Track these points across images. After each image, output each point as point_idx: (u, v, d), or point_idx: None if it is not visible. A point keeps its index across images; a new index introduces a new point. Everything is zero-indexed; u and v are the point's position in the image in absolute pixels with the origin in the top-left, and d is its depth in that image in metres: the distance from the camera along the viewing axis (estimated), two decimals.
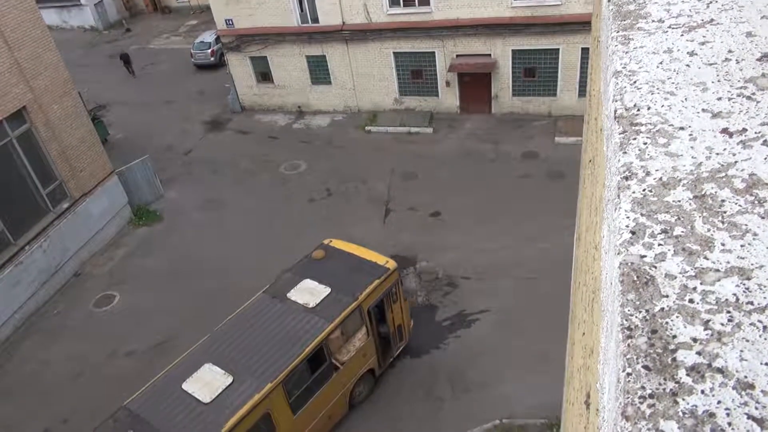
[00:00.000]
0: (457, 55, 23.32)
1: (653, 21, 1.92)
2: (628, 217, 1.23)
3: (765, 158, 1.28)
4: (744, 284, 1.04)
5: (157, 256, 19.14)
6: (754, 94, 1.48)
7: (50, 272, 17.89)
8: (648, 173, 1.33)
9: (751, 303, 1.01)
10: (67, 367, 15.48)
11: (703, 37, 1.77)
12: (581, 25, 20.36)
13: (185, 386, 10.64)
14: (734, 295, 1.03)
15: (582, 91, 22.44)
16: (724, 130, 1.39)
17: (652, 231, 1.19)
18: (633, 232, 1.19)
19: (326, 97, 26.37)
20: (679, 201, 1.23)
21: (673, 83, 1.60)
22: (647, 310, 1.04)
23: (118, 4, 44.39)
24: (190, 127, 26.98)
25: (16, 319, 16.98)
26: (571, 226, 4.83)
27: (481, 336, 14.67)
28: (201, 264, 18.12)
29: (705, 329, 0.99)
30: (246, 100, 27.66)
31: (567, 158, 19.96)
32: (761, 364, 0.92)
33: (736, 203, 1.19)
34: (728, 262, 1.08)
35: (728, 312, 1.00)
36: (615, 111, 1.57)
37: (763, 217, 1.15)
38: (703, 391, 0.90)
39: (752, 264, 1.07)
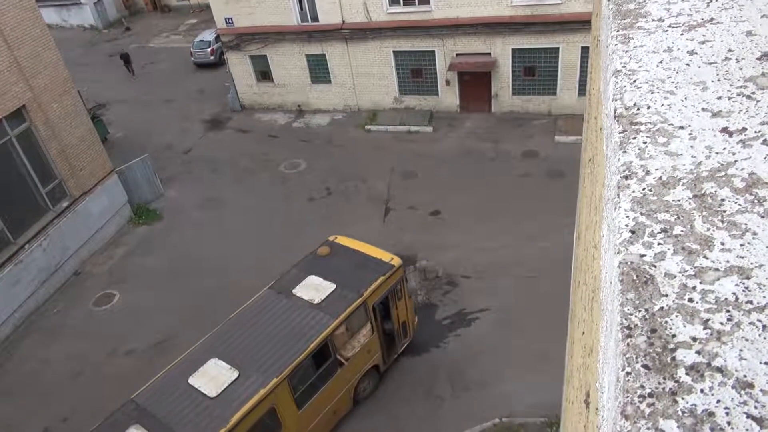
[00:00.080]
0: (457, 54, 23.31)
1: (653, 20, 1.92)
2: (627, 217, 1.23)
3: (765, 157, 1.28)
4: (743, 283, 1.04)
5: (157, 254, 19.14)
6: (754, 93, 1.48)
7: (50, 271, 17.89)
8: (648, 172, 1.33)
9: (751, 302, 1.01)
10: (66, 366, 15.48)
11: (703, 36, 1.77)
12: (581, 24, 20.36)
13: (191, 380, 10.72)
14: (734, 294, 1.03)
15: (582, 90, 22.43)
16: (724, 130, 1.39)
17: (652, 230, 1.19)
18: (632, 231, 1.19)
19: (326, 96, 26.35)
20: (679, 200, 1.23)
21: (673, 82, 1.60)
22: (647, 309, 1.04)
23: (117, 2, 44.36)
24: (190, 126, 26.96)
25: (16, 318, 16.98)
26: (571, 225, 4.83)
27: (480, 335, 14.68)
28: (201, 263, 18.12)
29: (704, 328, 0.99)
30: (246, 98, 27.65)
31: (567, 157, 19.95)
32: (760, 363, 0.92)
33: (735, 202, 1.19)
34: (728, 262, 1.08)
35: (728, 311, 1.00)
36: (615, 110, 1.57)
37: (762, 217, 1.15)
38: (702, 390, 0.90)
39: (752, 263, 1.07)
